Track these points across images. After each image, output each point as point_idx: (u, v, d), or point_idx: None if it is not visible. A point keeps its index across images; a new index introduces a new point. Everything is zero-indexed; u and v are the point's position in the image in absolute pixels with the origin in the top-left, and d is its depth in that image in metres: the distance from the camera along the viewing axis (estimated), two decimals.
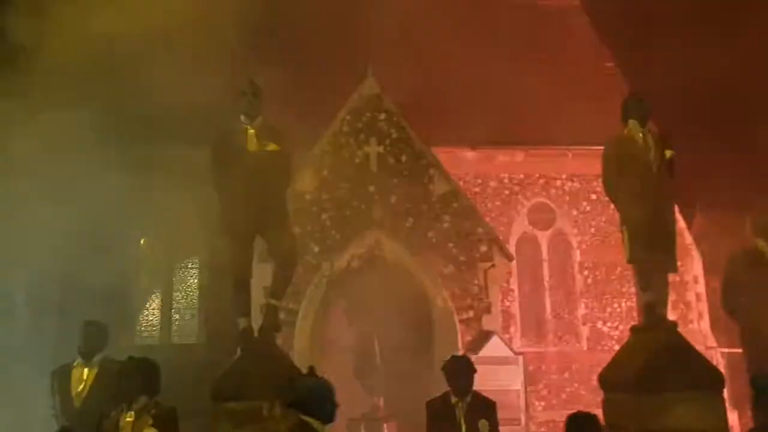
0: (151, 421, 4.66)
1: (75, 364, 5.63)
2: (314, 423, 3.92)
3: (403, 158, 10.54)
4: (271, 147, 5.24)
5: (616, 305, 12.81)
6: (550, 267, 13.00)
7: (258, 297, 5.65)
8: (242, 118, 5.36)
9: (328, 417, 3.97)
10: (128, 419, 4.66)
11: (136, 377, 4.75)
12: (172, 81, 7.31)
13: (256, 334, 5.46)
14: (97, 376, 5.47)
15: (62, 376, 5.65)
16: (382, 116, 10.66)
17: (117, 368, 5.14)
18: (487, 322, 10.20)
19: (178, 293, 11.71)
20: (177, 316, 11.62)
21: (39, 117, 7.69)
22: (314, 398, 3.99)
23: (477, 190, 12.83)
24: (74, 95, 7.72)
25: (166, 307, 11.54)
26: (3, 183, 8.55)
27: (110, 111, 8.03)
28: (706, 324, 12.78)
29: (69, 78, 7.88)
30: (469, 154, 12.80)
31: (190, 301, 11.69)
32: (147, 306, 11.48)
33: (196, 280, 11.67)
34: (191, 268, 11.72)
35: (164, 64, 7.67)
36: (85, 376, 5.49)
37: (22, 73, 7.67)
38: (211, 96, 6.48)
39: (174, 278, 11.67)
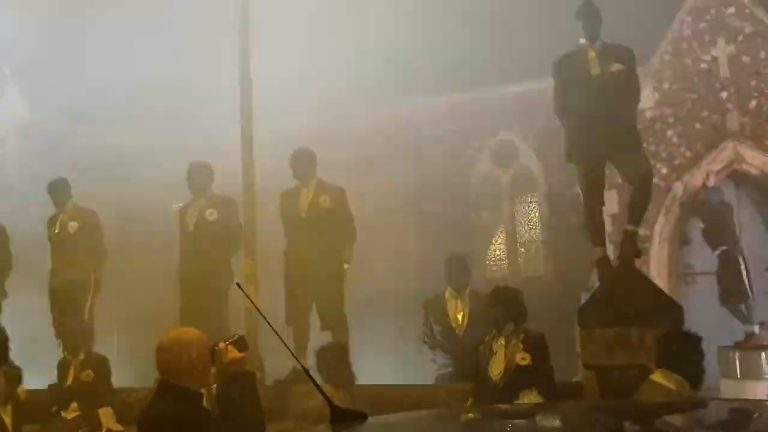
0: (521, 346, 4.94)
1: (447, 296, 6.20)
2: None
3: (762, 54, 9.11)
4: (615, 67, 5.03)
5: None
6: None
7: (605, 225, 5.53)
8: (582, 42, 5.21)
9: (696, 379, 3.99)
10: (500, 344, 5.01)
11: (503, 305, 5.07)
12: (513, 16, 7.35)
13: (614, 262, 5.39)
14: (471, 307, 5.95)
15: (436, 307, 6.27)
16: (731, 10, 9.31)
17: (485, 298, 5.55)
18: None
19: (522, 227, 12.02)
20: (522, 250, 11.96)
21: None
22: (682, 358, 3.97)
23: None
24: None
25: (512, 242, 11.94)
26: None
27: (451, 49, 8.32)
28: None
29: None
30: None
31: (533, 234, 11.91)
32: (494, 241, 12.02)
33: (537, 214, 11.84)
34: (531, 202, 11.91)
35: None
36: (460, 307, 6.02)
37: None
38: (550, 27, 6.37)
39: (516, 213, 11.99)
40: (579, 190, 5.72)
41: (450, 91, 9.59)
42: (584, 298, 6.50)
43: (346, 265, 6.42)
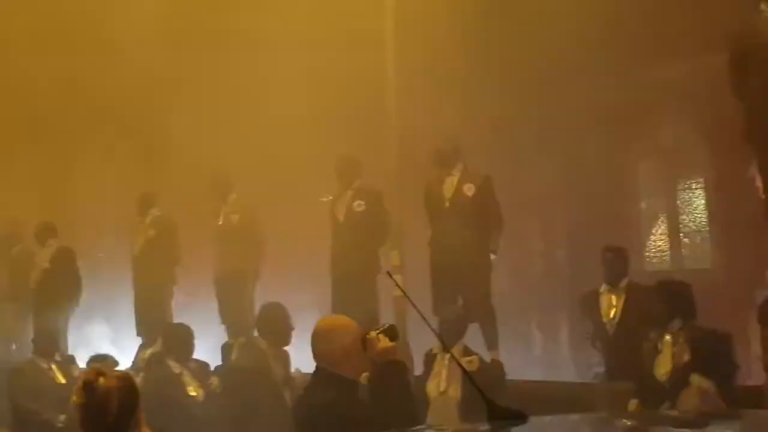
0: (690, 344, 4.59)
1: (602, 290, 5.87)
2: None
3: None
4: None
5: None
6: None
7: None
8: (763, 7, 4.68)
9: None
10: (666, 341, 4.68)
11: (668, 300, 4.73)
12: None
13: None
14: (626, 301, 5.60)
15: (591, 302, 5.96)
16: None
17: (645, 292, 5.20)
18: None
19: (684, 216, 11.15)
20: (686, 240, 11.09)
21: None
22: None
23: None
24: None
25: (674, 231, 11.11)
26: None
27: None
28: None
29: None
30: None
31: (699, 223, 11.00)
32: (653, 231, 11.25)
33: (702, 201, 10.92)
34: (696, 189, 10.99)
35: None
36: (614, 302, 5.67)
37: None
38: None
39: (678, 201, 11.14)
40: (753, 175, 5.22)
41: (605, 72, 9.03)
42: (759, 294, 5.91)
43: (492, 256, 6.28)
